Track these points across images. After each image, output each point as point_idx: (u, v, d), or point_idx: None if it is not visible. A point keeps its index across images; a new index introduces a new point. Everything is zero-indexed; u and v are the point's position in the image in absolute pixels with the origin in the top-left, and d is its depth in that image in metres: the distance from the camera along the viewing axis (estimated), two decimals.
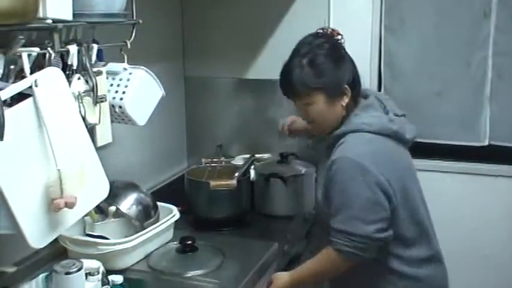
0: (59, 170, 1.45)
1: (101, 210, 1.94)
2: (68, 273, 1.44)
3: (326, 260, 1.79)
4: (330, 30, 1.89)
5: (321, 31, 1.88)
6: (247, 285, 1.80)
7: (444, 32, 2.54)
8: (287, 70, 1.85)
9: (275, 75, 2.73)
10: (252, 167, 2.42)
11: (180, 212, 2.13)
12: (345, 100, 1.81)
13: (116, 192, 1.95)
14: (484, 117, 2.54)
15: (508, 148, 2.54)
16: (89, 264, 1.54)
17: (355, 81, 1.84)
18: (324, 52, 1.81)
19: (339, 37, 1.87)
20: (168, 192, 2.50)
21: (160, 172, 2.72)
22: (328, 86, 1.80)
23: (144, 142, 2.59)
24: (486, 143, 2.56)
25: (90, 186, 1.58)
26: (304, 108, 1.85)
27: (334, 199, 1.74)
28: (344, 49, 1.87)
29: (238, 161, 2.54)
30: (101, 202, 1.87)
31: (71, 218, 1.53)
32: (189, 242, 1.93)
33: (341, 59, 1.83)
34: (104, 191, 1.66)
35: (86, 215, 1.88)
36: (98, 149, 1.99)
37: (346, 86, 1.81)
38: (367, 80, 2.59)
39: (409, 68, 2.61)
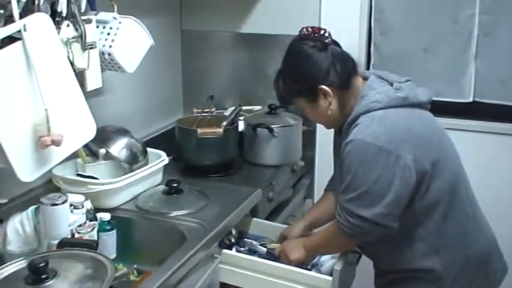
0: (46, 109, 1.56)
1: (92, 153, 2.05)
2: (54, 204, 1.56)
3: (332, 236, 1.80)
4: (310, 28, 1.78)
5: (304, 31, 1.79)
6: (226, 225, 1.92)
7: None
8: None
9: (269, 29, 2.84)
10: (242, 117, 2.51)
11: (172, 159, 2.25)
12: (328, 99, 1.75)
13: (107, 136, 2.08)
14: (469, 74, 2.59)
15: (491, 105, 2.60)
16: (74, 198, 1.66)
17: (337, 74, 1.73)
18: (288, 64, 1.80)
19: (322, 32, 1.77)
20: (162, 141, 2.59)
21: (156, 121, 2.83)
22: (301, 93, 1.79)
23: (141, 92, 2.69)
24: (470, 99, 2.62)
25: (76, 127, 1.69)
26: (303, 110, 1.87)
27: (345, 179, 1.69)
28: (319, 48, 1.74)
29: (230, 112, 2.62)
30: (92, 145, 2.01)
31: (57, 155, 1.65)
32: (175, 185, 2.05)
33: (305, 65, 1.75)
34: (90, 133, 1.76)
35: (77, 157, 2.01)
36: (96, 95, 2.12)
37: (323, 87, 1.73)
38: (357, 36, 2.66)
39: (398, 23, 2.65)
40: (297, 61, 1.77)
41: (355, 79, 1.78)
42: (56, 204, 1.56)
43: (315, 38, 1.75)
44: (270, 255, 1.98)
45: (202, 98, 2.85)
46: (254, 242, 2.05)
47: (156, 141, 2.55)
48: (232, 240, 2.02)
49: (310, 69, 1.74)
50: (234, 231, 2.03)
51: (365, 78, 1.80)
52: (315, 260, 1.99)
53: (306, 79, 1.76)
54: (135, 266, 1.73)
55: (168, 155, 2.20)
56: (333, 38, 1.80)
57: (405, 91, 1.74)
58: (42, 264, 1.28)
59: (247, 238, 2.09)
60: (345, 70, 1.75)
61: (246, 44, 2.91)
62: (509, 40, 2.52)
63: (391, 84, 1.77)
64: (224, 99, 2.91)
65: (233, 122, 2.36)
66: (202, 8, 2.93)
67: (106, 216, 1.79)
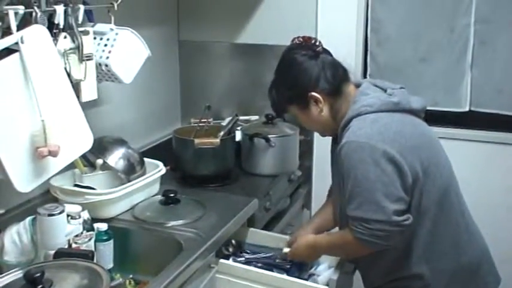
0: (42, 120, 1.57)
1: (89, 163, 2.07)
2: (50, 215, 1.56)
3: (347, 245, 1.75)
4: (301, 38, 1.83)
5: (296, 41, 1.83)
6: (223, 234, 1.92)
7: None
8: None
9: (266, 40, 2.86)
10: (239, 128, 2.52)
11: (170, 170, 2.25)
12: (319, 105, 1.78)
13: (104, 147, 2.09)
14: (465, 83, 2.61)
15: (488, 114, 2.61)
16: (71, 208, 1.65)
17: (327, 81, 1.76)
18: (280, 72, 1.84)
19: (313, 41, 1.81)
20: (160, 151, 2.61)
21: (154, 132, 2.83)
22: (293, 101, 1.82)
23: (139, 103, 2.70)
24: (467, 109, 2.64)
25: (73, 138, 1.70)
26: (296, 119, 1.91)
27: (347, 186, 1.68)
28: (310, 56, 1.78)
29: (227, 122, 2.63)
30: (90, 155, 2.02)
31: (55, 166, 1.66)
32: (172, 195, 2.05)
33: (296, 72, 1.78)
34: (87, 143, 1.77)
35: (74, 167, 2.02)
36: (93, 106, 2.13)
37: (313, 93, 1.76)
38: (353, 46, 2.68)
39: (394, 34, 2.67)
40: (288, 69, 1.81)
41: (347, 86, 1.81)
42: (53, 215, 1.56)
43: (306, 47, 1.79)
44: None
45: (200, 108, 2.86)
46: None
47: (154, 151, 2.57)
48: (231, 250, 2.03)
49: (300, 77, 1.78)
50: (233, 242, 2.05)
51: (358, 86, 1.82)
52: (312, 269, 1.99)
53: (296, 86, 1.79)
54: (130, 276, 1.72)
55: (165, 165, 2.20)
56: (330, 48, 1.83)
57: (398, 97, 1.76)
58: (38, 275, 1.28)
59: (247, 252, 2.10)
60: (335, 77, 1.78)
61: (243, 55, 2.93)
62: (505, 49, 2.54)
63: (385, 91, 1.79)
64: (221, 109, 2.93)
65: (230, 132, 2.36)
66: (200, 18, 2.95)
67: (103, 226, 1.79)
